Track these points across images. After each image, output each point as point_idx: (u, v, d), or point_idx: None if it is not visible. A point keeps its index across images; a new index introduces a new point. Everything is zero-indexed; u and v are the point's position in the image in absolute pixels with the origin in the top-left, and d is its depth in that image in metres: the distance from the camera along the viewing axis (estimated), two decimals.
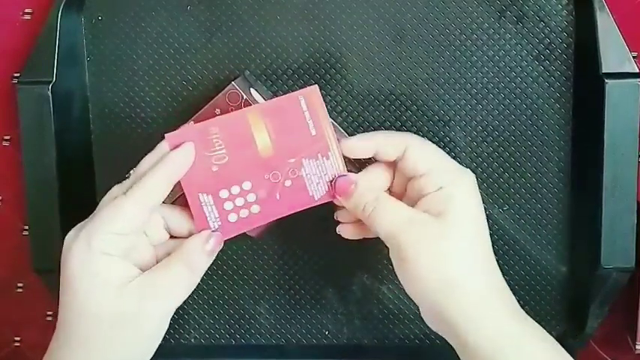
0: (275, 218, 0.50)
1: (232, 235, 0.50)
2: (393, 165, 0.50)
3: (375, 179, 0.50)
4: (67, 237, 0.47)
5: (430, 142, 0.50)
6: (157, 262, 0.48)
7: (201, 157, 0.48)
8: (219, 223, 0.49)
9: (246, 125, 0.48)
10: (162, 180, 0.47)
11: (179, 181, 0.48)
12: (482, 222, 0.49)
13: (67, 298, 0.46)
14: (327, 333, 0.61)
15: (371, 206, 0.48)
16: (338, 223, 0.53)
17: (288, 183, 0.50)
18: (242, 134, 0.48)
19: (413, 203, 0.49)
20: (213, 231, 0.49)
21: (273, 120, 0.49)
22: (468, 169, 0.49)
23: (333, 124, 0.57)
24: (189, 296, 0.60)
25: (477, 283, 0.46)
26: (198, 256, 0.48)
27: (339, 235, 0.52)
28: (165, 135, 0.48)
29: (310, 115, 0.49)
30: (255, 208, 0.50)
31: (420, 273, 0.46)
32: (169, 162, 0.47)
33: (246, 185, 0.49)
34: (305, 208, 0.50)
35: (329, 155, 0.50)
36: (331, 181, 0.50)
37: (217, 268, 0.61)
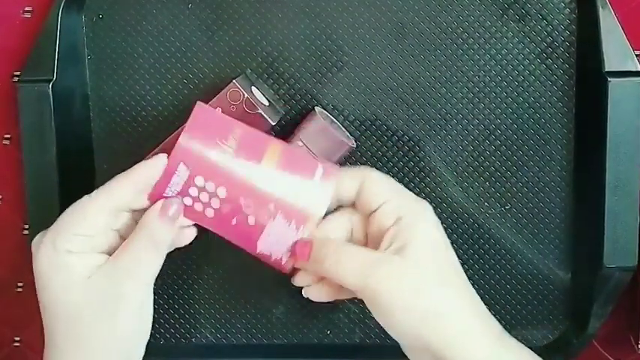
0: (218, 234, 0.49)
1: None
2: (352, 212, 0.50)
3: (332, 230, 0.49)
4: (33, 242, 0.47)
5: (387, 176, 0.50)
6: None
7: (212, 140, 0.47)
8: (170, 193, 0.47)
9: (262, 150, 0.48)
10: (126, 186, 0.46)
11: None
12: (447, 249, 0.48)
13: (42, 300, 0.46)
14: (337, 332, 0.61)
15: (331, 258, 0.47)
16: None
17: (251, 220, 0.48)
18: (253, 153, 0.48)
19: (376, 245, 0.47)
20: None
21: (286, 165, 0.48)
22: (424, 200, 0.49)
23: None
24: (202, 296, 0.60)
25: (457, 311, 0.46)
26: (157, 228, 0.46)
27: None
28: (198, 101, 0.48)
29: (318, 186, 0.48)
30: (210, 212, 0.48)
31: (397, 315, 0.45)
32: (137, 171, 0.46)
33: (221, 191, 0.47)
34: (245, 250, 0.49)
35: (301, 229, 0.48)
36: (292, 249, 0.48)
37: (230, 267, 0.60)
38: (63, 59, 0.55)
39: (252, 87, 0.56)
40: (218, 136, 0.47)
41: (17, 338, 0.64)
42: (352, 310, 0.60)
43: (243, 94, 0.54)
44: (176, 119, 0.58)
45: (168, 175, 0.47)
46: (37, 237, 0.47)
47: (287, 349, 0.61)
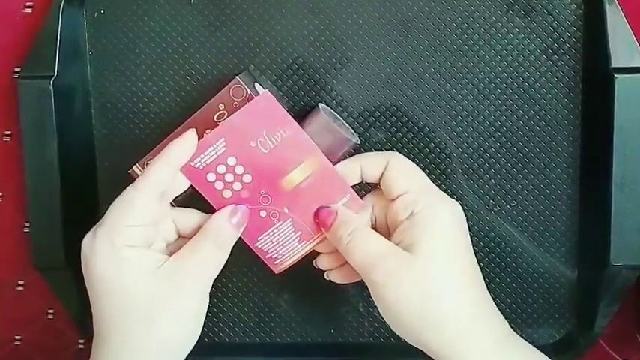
0: None
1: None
2: (376, 200, 0.50)
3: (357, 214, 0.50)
4: (84, 241, 0.47)
5: (414, 165, 0.50)
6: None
7: (260, 129, 0.48)
8: (199, 165, 0.49)
9: (299, 158, 0.49)
10: (165, 168, 0.47)
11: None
12: (463, 252, 0.47)
13: (101, 296, 0.46)
14: (341, 331, 0.61)
15: (347, 238, 0.48)
16: None
17: (263, 214, 0.50)
18: (291, 158, 0.49)
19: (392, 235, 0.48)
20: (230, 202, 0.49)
21: (315, 181, 0.49)
22: (449, 199, 0.49)
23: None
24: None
25: (461, 317, 0.45)
26: (224, 232, 0.48)
27: None
28: (267, 92, 0.48)
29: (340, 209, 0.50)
30: (227, 194, 0.50)
31: (400, 313, 0.45)
32: (170, 151, 0.47)
33: (247, 178, 0.49)
34: (243, 239, 0.51)
35: (303, 243, 0.51)
36: (316, 212, 0.50)
37: (233, 265, 0.59)
38: (64, 55, 0.55)
39: (255, 83, 0.56)
40: (267, 127, 0.48)
41: (17, 337, 0.63)
42: (357, 308, 0.60)
43: (246, 91, 0.53)
44: (178, 115, 0.57)
45: (204, 145, 0.48)
46: (88, 236, 0.47)
47: (291, 348, 0.60)
